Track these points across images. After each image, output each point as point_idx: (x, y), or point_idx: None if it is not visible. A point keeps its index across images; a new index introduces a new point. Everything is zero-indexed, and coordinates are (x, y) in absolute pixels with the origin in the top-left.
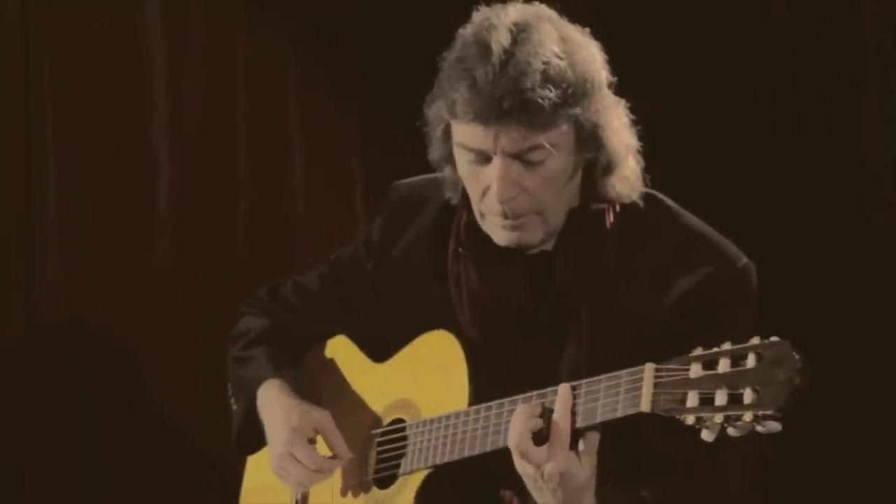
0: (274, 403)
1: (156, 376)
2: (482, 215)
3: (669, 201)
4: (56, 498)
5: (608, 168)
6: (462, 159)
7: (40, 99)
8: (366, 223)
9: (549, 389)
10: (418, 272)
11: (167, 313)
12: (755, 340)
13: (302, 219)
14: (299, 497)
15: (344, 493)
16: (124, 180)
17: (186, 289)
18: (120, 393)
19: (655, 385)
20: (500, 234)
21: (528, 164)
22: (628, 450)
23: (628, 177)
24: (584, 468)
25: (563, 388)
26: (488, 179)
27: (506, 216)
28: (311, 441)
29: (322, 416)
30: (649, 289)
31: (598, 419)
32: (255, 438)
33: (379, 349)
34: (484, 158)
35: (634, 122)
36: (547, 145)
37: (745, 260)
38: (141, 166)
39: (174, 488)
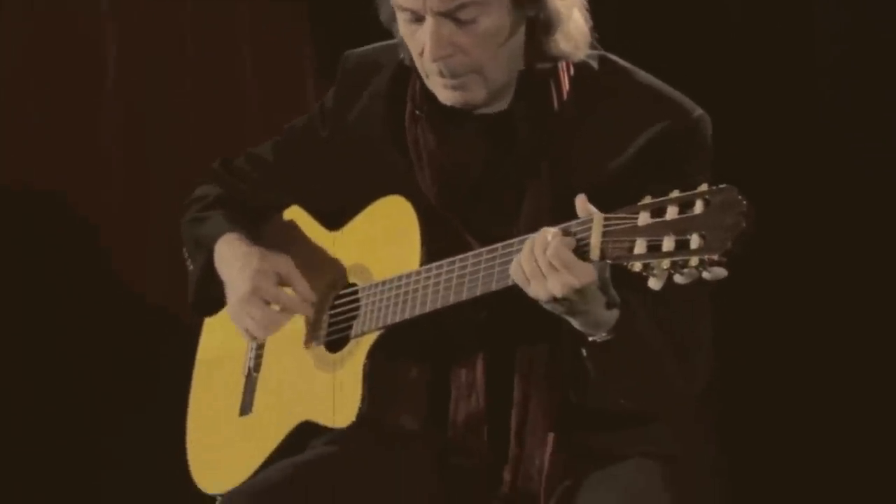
0: (233, 253)
1: (106, 246)
2: (426, 75)
3: (623, 62)
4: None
5: (550, 25)
6: (400, 19)
7: None
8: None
9: (500, 244)
10: (375, 137)
11: (114, 187)
12: (703, 187)
13: (251, 105)
14: (252, 356)
15: (295, 358)
16: (73, 52)
17: (135, 166)
18: (68, 264)
19: (604, 234)
20: (442, 93)
21: (460, 23)
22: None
23: (573, 34)
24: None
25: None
26: (423, 39)
27: (443, 75)
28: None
29: (284, 259)
30: (607, 144)
31: None
32: (213, 298)
33: (334, 218)
34: (417, 18)
35: None
36: (477, 2)
37: (699, 111)
38: (89, 39)
39: (129, 349)
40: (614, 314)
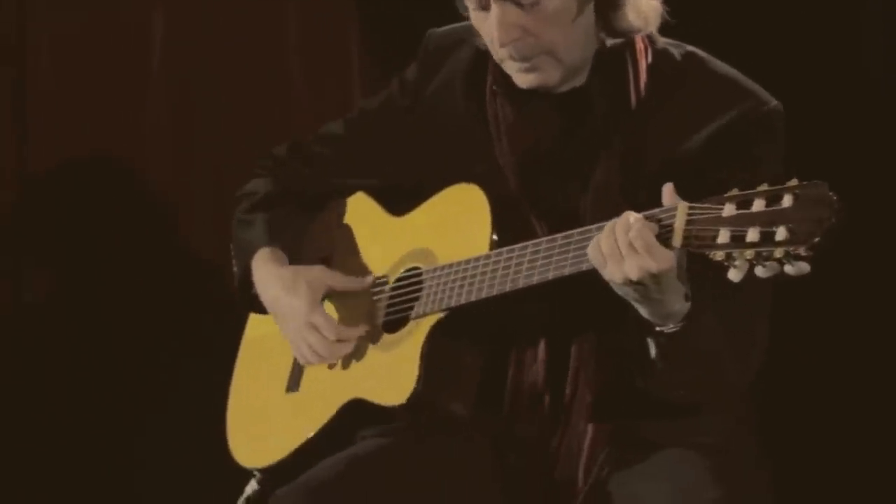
0: (268, 278)
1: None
2: (501, 61)
3: (704, 53)
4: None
5: (618, 1)
6: (470, 9)
7: None
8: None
9: (576, 231)
10: (456, 110)
11: (161, 168)
12: (793, 182)
13: (297, 91)
14: None
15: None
16: (119, 33)
17: (182, 147)
18: (114, 247)
19: (688, 222)
20: (518, 77)
21: (524, 6)
22: None
23: (643, 8)
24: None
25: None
26: (492, 26)
27: (514, 59)
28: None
29: (325, 272)
30: (679, 127)
31: None
32: (253, 301)
33: (400, 202)
34: (483, 6)
35: None
36: None
37: (775, 102)
38: (136, 20)
39: (175, 324)
40: (686, 307)
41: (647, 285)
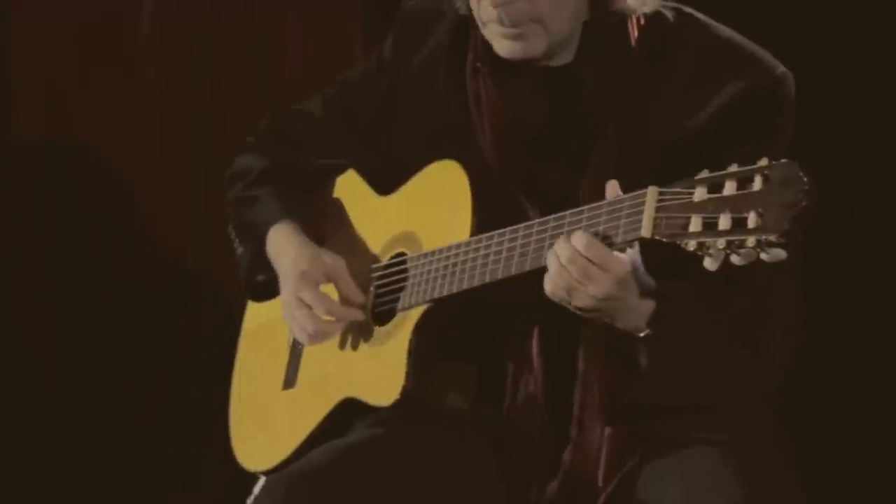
0: (285, 248)
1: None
2: (483, 24)
3: (701, 15)
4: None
5: None
6: None
7: None
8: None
9: (551, 217)
10: (436, 90)
11: (153, 148)
12: (763, 162)
13: (296, 61)
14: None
15: (340, 331)
16: (108, 29)
17: (173, 122)
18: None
19: (657, 209)
20: (500, 43)
21: None
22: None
23: None
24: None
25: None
26: None
27: (502, 23)
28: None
29: (335, 262)
30: (681, 101)
31: None
32: (265, 284)
33: (388, 180)
34: None
35: None
36: None
37: (782, 68)
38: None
39: (168, 319)
40: (650, 304)
41: (614, 298)
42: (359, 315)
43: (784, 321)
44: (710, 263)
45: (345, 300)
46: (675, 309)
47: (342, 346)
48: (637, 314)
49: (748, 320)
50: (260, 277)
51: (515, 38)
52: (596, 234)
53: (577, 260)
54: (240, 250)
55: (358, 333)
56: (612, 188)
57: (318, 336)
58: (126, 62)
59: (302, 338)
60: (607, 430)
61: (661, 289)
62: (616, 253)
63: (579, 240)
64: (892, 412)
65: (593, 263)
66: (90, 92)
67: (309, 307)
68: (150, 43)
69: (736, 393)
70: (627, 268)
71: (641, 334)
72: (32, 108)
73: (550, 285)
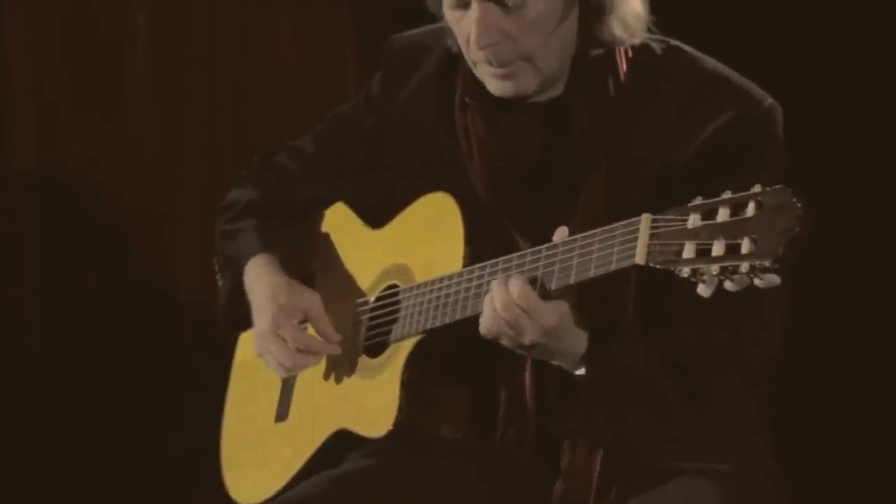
0: (261, 281)
1: (136, 240)
2: (474, 64)
3: (688, 48)
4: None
5: (603, 9)
6: (445, 5)
7: None
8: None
9: (544, 247)
10: (424, 125)
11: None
12: (756, 188)
13: (290, 81)
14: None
15: (333, 364)
16: (100, 38)
17: (168, 150)
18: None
19: (651, 236)
20: (492, 83)
21: (507, 8)
22: (663, 301)
23: (628, 19)
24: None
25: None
26: (469, 26)
27: (491, 63)
28: (299, 322)
29: (311, 298)
30: (670, 134)
31: (593, 273)
32: (242, 316)
33: (377, 214)
34: (463, 3)
35: None
36: None
37: (770, 100)
38: (119, 17)
39: (160, 349)
40: (582, 345)
41: (541, 344)
42: (336, 350)
43: (765, 338)
44: (703, 290)
45: (322, 335)
46: (607, 351)
47: (335, 378)
48: (569, 356)
49: (725, 338)
50: (238, 310)
51: (505, 77)
52: (534, 281)
53: (510, 307)
54: (220, 283)
55: (350, 365)
56: (561, 233)
57: (296, 370)
58: (118, 79)
59: (279, 371)
60: (599, 460)
61: (595, 331)
62: (550, 302)
63: (515, 287)
64: (882, 435)
65: (524, 311)
66: (82, 103)
67: (285, 341)
68: (146, 57)
69: (699, 426)
70: (555, 321)
71: (577, 373)
72: (24, 121)
73: (484, 328)
